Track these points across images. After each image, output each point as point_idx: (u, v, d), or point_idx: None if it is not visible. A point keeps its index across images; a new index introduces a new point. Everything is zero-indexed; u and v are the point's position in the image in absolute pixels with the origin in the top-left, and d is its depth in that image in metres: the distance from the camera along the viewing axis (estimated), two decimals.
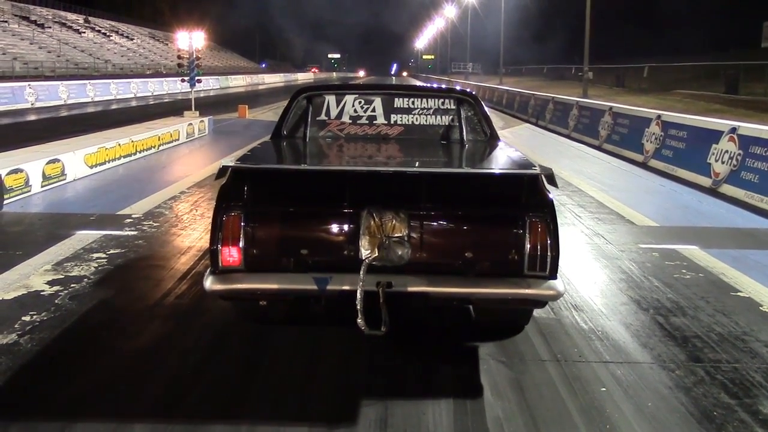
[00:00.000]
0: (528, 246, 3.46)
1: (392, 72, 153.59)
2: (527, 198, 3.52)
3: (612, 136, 15.35)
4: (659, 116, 13.15)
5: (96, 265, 5.92)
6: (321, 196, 3.56)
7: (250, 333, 4.43)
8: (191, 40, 19.63)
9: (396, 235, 3.38)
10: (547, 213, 3.50)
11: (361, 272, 3.31)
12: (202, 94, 36.66)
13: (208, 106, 26.49)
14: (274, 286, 3.46)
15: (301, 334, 4.39)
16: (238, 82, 58.90)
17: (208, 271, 3.61)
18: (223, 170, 3.49)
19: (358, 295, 3.28)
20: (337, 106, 5.13)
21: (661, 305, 5.15)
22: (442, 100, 5.18)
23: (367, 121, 5.11)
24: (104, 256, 6.20)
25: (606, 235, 7.33)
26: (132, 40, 67.48)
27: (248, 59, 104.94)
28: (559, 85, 44.18)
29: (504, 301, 3.57)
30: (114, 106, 29.86)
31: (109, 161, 11.39)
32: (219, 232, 3.52)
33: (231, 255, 3.49)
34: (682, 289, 5.53)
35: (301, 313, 4.50)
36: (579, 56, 33.78)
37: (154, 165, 12.23)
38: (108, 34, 63.55)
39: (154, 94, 39.03)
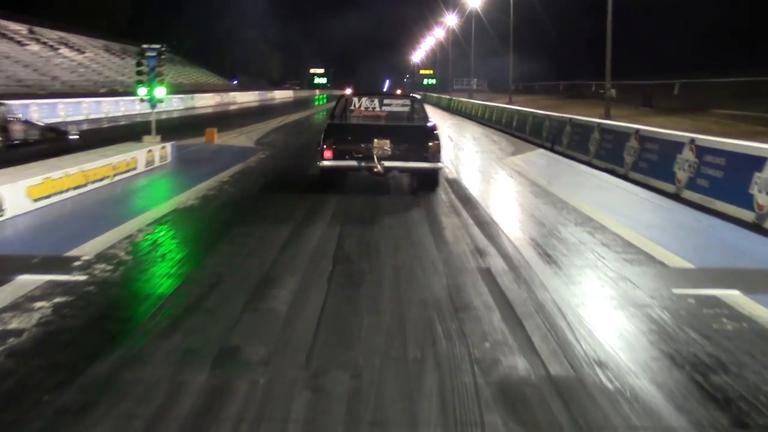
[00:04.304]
0: (431, 150, 11.70)
1: (385, 89, 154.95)
2: (430, 134, 11.99)
3: (639, 164, 15.48)
4: (693, 140, 13.29)
5: (39, 316, 5.90)
6: (358, 134, 11.93)
7: (203, 404, 4.44)
8: (153, 53, 19.77)
9: (385, 147, 11.80)
10: (437, 138, 11.92)
11: (375, 159, 11.65)
12: (164, 116, 36.77)
13: (170, 129, 26.59)
14: (343, 164, 11.79)
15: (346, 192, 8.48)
16: (205, 102, 59.31)
17: (319, 161, 12.03)
18: (328, 126, 12.60)
19: (376, 166, 11.68)
20: (358, 102, 13.61)
21: (699, 361, 5.16)
22: (404, 100, 13.88)
23: (372, 109, 13.35)
24: (48, 305, 6.18)
25: (634, 278, 7.37)
26: (83, 53, 67.95)
27: (218, 75, 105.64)
28: (577, 104, 44.66)
29: (423, 169, 11.89)
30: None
31: (55, 194, 11.39)
32: (323, 147, 11.76)
33: (328, 152, 11.58)
34: (724, 342, 5.54)
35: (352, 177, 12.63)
36: (600, 71, 34.22)
37: (107, 198, 12.24)
38: (56, 46, 64.02)
39: (109, 115, 39.22)
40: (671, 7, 67.94)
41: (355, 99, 13.92)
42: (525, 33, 67.91)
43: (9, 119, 17.07)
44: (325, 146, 12.01)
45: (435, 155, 12.13)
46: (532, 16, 71.43)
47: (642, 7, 64.64)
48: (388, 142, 12.02)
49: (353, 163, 12.15)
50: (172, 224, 10.07)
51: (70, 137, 18.59)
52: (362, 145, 12.10)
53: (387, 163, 12.05)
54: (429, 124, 13.01)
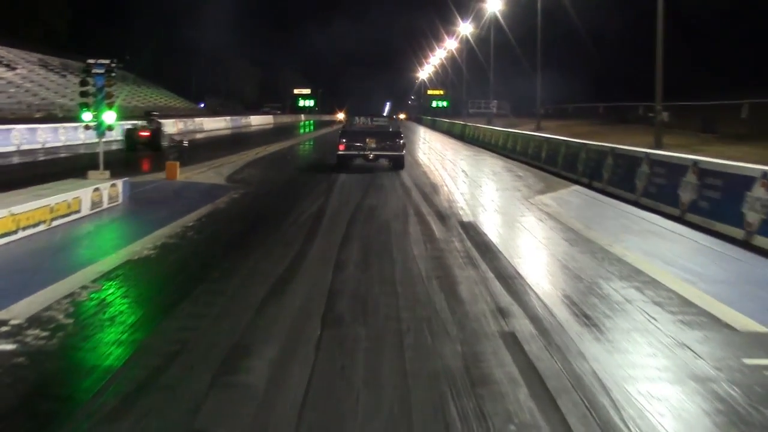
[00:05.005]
0: (398, 145, 27.20)
1: (384, 114, 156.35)
2: (398, 136, 28.01)
3: (698, 203, 15.53)
4: (766, 174, 13.34)
5: None
6: (359, 135, 27.42)
7: None
8: (100, 70, 19.91)
9: (373, 143, 26.86)
10: (402, 138, 28.14)
11: (368, 149, 26.62)
12: (114, 147, 36.96)
13: (122, 163, 26.72)
14: (350, 153, 26.76)
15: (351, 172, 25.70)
16: (166, 129, 59.59)
17: (337, 150, 27.54)
18: (341, 133, 28.67)
19: (369, 155, 26.61)
20: (359, 119, 30.45)
21: None
22: (385, 119, 32.66)
23: (367, 123, 29.42)
24: None
25: (694, 346, 7.35)
26: (14, 69, 68.54)
27: (181, 97, 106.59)
28: (620, 130, 44.90)
29: (394, 156, 27.06)
30: None
31: None
32: (339, 145, 27.32)
33: (342, 146, 26.93)
34: None
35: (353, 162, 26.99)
36: (648, 90, 34.43)
37: (44, 248, 12.24)
38: None
39: (46, 146, 39.37)
40: (736, 12, 68.60)
41: (357, 117, 30.32)
42: (556, 45, 68.54)
43: (162, 130, 35.73)
44: (339, 142, 27.08)
45: (401, 148, 27.14)
46: (564, 25, 72.25)
47: (701, 12, 65.27)
48: (375, 140, 26.73)
49: (355, 152, 26.64)
50: (123, 280, 10.07)
51: (184, 144, 34.48)
52: (360, 142, 26.68)
53: (374, 153, 26.56)
54: (398, 131, 28.53)
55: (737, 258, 12.03)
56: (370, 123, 29.21)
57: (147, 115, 37.80)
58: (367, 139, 26.67)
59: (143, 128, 35.25)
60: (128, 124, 37.18)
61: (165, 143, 35.19)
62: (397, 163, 27.04)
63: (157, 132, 35.26)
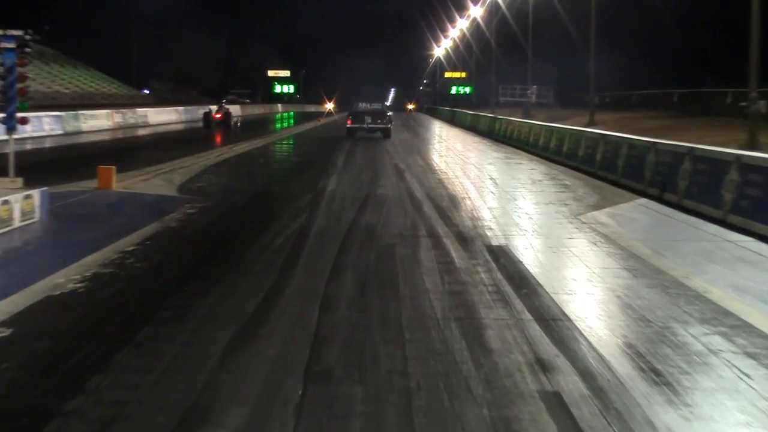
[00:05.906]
0: (388, 120, 59.63)
1: (388, 103, 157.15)
2: (386, 113, 61.94)
3: None
4: None
5: None
6: (361, 114, 60.61)
7: None
8: (10, 44, 19.89)
9: (370, 120, 59.26)
10: (389, 116, 62.58)
11: (366, 122, 58.69)
12: (29, 146, 37.09)
13: (40, 167, 26.71)
14: (354, 126, 59.12)
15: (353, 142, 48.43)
16: (98, 122, 59.75)
17: (346, 125, 60.30)
18: (349, 114, 64.99)
19: (366, 126, 58.29)
20: (361, 105, 64.90)
21: None
22: (379, 104, 68.62)
23: (366, 107, 63.00)
24: None
25: None
26: None
27: (118, 80, 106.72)
28: (702, 125, 44.96)
29: (384, 128, 58.43)
30: None
31: None
32: (347, 121, 61.88)
33: (349, 121, 60.46)
34: None
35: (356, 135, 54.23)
36: (738, 73, 34.40)
37: None
38: None
39: None
40: None
41: (360, 104, 61.72)
42: (615, 16, 68.62)
43: (230, 113, 70.38)
44: (347, 119, 59.71)
45: (389, 122, 57.95)
46: None
47: None
48: (371, 117, 57.33)
49: (358, 125, 56.99)
50: (39, 322, 10.07)
51: (238, 124, 71.29)
52: (361, 119, 57.51)
53: (371, 126, 56.69)
54: (387, 112, 60.53)
55: None
56: (369, 107, 58.55)
57: (219, 102, 71.09)
58: (366, 117, 55.61)
59: (217, 111, 65.72)
60: (206, 108, 68.69)
61: (233, 122, 66.33)
62: (386, 133, 55.42)
63: (227, 115, 66.54)
